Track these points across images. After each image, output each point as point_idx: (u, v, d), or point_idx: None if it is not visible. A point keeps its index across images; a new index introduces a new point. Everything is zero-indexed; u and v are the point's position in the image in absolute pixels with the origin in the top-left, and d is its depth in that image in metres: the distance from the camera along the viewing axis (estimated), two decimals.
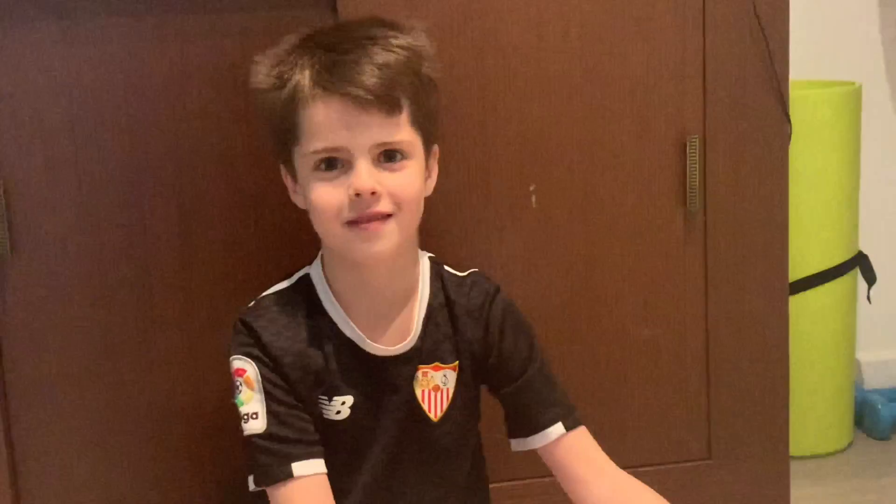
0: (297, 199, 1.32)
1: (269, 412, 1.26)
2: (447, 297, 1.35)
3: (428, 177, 1.32)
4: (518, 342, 1.37)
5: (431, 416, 1.34)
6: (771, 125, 1.66)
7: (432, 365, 1.33)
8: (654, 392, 1.70)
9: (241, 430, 1.27)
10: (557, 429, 1.36)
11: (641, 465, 1.71)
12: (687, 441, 1.72)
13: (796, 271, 1.78)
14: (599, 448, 1.38)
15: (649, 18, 1.60)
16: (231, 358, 1.29)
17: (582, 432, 1.37)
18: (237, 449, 1.55)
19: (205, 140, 1.53)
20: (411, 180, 1.25)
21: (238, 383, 1.27)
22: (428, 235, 1.58)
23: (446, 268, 1.38)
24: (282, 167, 1.33)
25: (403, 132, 1.24)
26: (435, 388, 1.34)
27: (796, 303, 1.75)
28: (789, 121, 1.66)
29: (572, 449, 1.36)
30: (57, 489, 1.57)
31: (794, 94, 1.68)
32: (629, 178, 1.63)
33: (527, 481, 1.64)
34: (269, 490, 1.26)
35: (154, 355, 1.55)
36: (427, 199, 1.56)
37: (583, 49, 1.59)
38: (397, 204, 1.23)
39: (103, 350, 1.55)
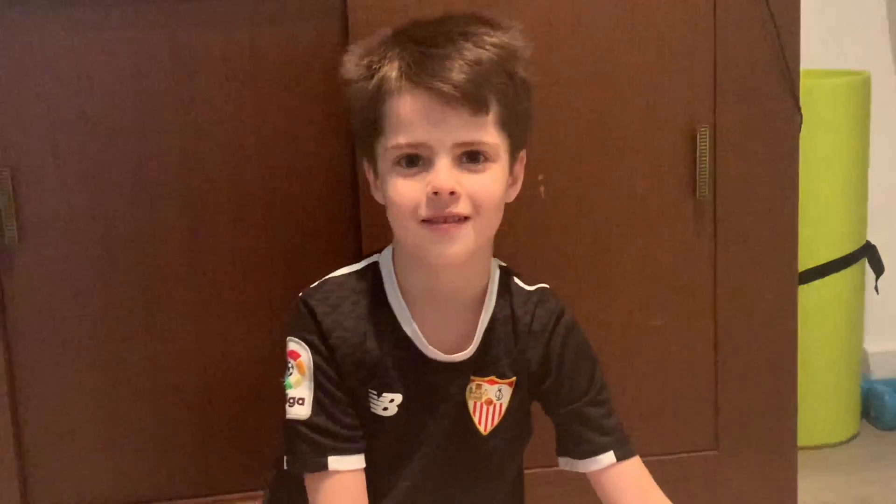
0: (377, 195, 1.28)
1: (316, 401, 1.24)
2: (513, 312, 1.31)
3: (512, 183, 1.28)
4: (578, 368, 1.34)
5: (481, 428, 1.31)
6: (781, 114, 1.65)
7: (488, 378, 1.30)
8: (662, 381, 1.69)
9: (285, 412, 1.26)
10: (608, 457, 1.32)
11: (648, 455, 1.69)
12: (694, 431, 1.72)
13: (804, 261, 1.77)
14: (651, 479, 1.35)
15: (660, 7, 1.59)
16: (288, 338, 1.27)
17: (634, 463, 1.34)
18: (242, 431, 1.57)
19: (212, 127, 1.52)
20: (492, 184, 1.21)
21: (290, 365, 1.26)
22: None
23: (516, 280, 1.34)
24: (365, 163, 1.29)
25: (489, 133, 1.19)
26: (488, 401, 1.31)
27: (804, 293, 1.75)
28: (800, 110, 1.65)
29: (622, 480, 1.33)
30: (63, 469, 1.58)
31: (804, 84, 1.67)
32: (639, 167, 1.63)
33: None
34: (305, 477, 1.26)
35: (161, 340, 1.55)
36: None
37: (593, 38, 1.59)
38: (476, 207, 1.19)
39: (111, 336, 1.55)
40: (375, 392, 1.27)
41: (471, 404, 1.29)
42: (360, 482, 1.25)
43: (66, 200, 1.51)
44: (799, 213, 1.68)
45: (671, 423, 1.71)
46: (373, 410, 1.27)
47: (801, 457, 1.76)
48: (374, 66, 1.20)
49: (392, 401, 1.27)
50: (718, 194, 1.65)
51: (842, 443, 2.22)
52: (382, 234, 1.38)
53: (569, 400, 1.33)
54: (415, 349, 1.27)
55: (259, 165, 1.54)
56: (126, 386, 1.56)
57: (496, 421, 1.31)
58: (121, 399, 1.56)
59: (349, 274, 1.30)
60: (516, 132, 1.24)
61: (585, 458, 1.33)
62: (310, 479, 1.25)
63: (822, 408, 2.18)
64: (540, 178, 1.60)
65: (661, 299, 1.67)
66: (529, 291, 1.34)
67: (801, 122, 1.66)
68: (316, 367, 1.24)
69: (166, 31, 1.50)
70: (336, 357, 1.25)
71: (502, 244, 1.59)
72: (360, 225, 1.55)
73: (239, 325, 1.57)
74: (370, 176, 1.29)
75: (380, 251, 1.32)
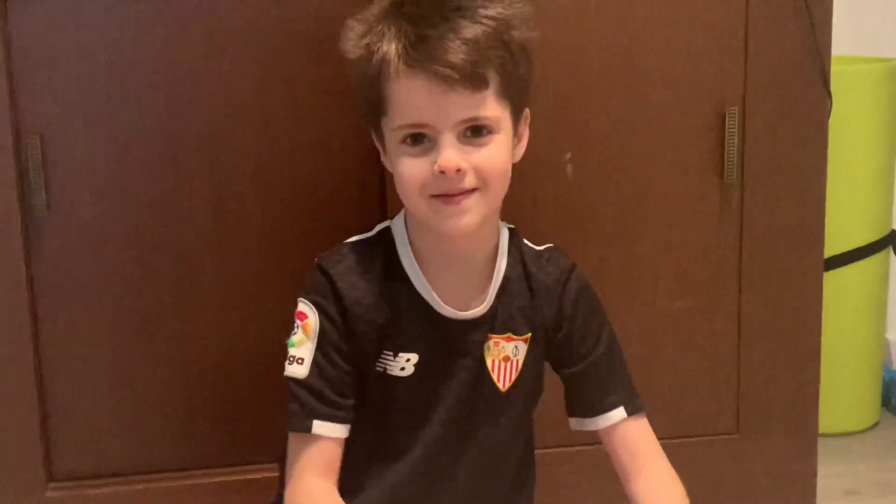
0: (387, 163, 1.30)
1: (315, 363, 1.26)
2: (525, 269, 1.34)
3: (518, 143, 1.30)
4: (589, 322, 1.36)
5: (500, 385, 1.33)
6: (811, 99, 1.64)
7: (504, 335, 1.32)
8: (685, 364, 1.69)
9: (284, 369, 1.28)
10: (618, 413, 1.34)
11: (669, 437, 1.69)
12: (715, 415, 1.72)
13: (829, 248, 1.76)
14: (654, 438, 1.37)
15: None
16: (299, 298, 1.29)
17: (640, 421, 1.36)
18: (266, 409, 1.57)
19: (240, 98, 1.53)
20: (497, 154, 1.23)
21: (296, 325, 1.28)
22: None
23: (525, 241, 1.37)
24: (372, 132, 1.31)
25: (490, 107, 1.21)
26: (505, 358, 1.32)
27: (828, 279, 1.74)
28: (830, 96, 1.64)
29: (628, 437, 1.35)
30: (86, 440, 1.59)
31: (835, 70, 1.66)
32: (666, 148, 1.62)
33: (575, 448, 1.64)
34: (289, 434, 1.29)
35: (186, 313, 1.56)
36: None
37: (622, 18, 1.58)
38: (483, 179, 1.21)
39: (136, 307, 1.56)
40: (391, 353, 1.29)
41: (489, 361, 1.31)
42: (338, 450, 1.27)
43: (94, 170, 1.52)
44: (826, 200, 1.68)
45: (694, 405, 1.71)
46: (389, 372, 1.29)
47: (822, 443, 1.76)
48: (374, 47, 1.21)
49: (409, 360, 1.29)
50: (746, 178, 1.64)
51: (863, 430, 2.21)
52: None
53: (580, 355, 1.35)
54: (429, 308, 1.29)
55: (287, 140, 1.55)
56: (150, 357, 1.57)
57: (514, 377, 1.33)
58: (145, 370, 1.57)
59: (363, 240, 1.33)
60: (517, 96, 1.26)
61: (596, 415, 1.35)
62: (292, 438, 1.28)
63: (844, 395, 2.18)
64: (567, 157, 1.60)
65: (685, 282, 1.67)
66: (539, 250, 1.37)
67: (830, 108, 1.65)
68: (322, 331, 1.27)
69: (197, 3, 1.50)
70: (349, 321, 1.27)
71: (528, 222, 1.59)
72: (387, 201, 1.55)
73: (264, 300, 1.58)
74: (379, 145, 1.31)
75: (392, 218, 1.35)
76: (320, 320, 1.27)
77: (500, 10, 1.22)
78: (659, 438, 1.70)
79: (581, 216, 1.62)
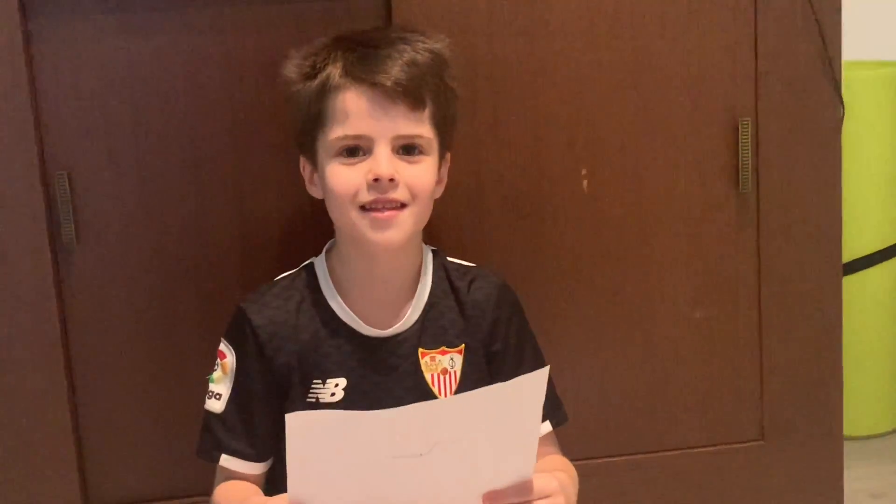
0: (314, 190, 1.37)
1: (231, 400, 1.33)
2: (452, 285, 1.39)
3: (439, 182, 1.35)
4: (521, 337, 1.40)
5: (441, 397, 1.35)
6: (823, 106, 1.65)
7: (438, 349, 1.36)
8: (707, 373, 1.70)
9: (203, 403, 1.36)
10: (545, 426, 1.38)
11: (693, 447, 1.72)
12: (739, 422, 1.72)
13: (848, 252, 1.77)
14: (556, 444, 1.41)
15: (701, 0, 1.60)
16: (221, 338, 1.36)
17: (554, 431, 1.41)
18: None
19: (262, 129, 1.55)
20: (426, 174, 1.29)
21: (217, 364, 1.35)
22: (480, 221, 1.61)
23: (449, 259, 1.42)
24: (301, 158, 1.38)
25: (424, 128, 1.29)
26: (443, 371, 1.36)
27: (847, 284, 1.75)
28: (842, 102, 1.65)
29: (547, 445, 1.38)
30: (121, 462, 1.61)
31: (847, 75, 1.67)
32: (681, 160, 1.64)
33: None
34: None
35: (215, 337, 1.57)
36: (478, 185, 1.59)
37: (634, 32, 1.60)
38: (413, 194, 1.28)
39: (166, 333, 1.59)
40: (320, 381, 1.33)
41: (428, 377, 1.35)
42: (241, 487, 1.33)
43: (121, 202, 1.55)
44: (843, 205, 1.69)
45: (717, 414, 1.71)
46: (322, 400, 1.33)
47: (846, 447, 1.77)
48: (319, 66, 1.30)
49: (337, 385, 1.33)
50: (761, 187, 1.65)
51: (887, 433, 2.21)
52: None
53: (512, 369, 1.37)
54: (350, 330, 1.34)
55: None
56: (182, 382, 1.59)
57: (454, 387, 1.36)
58: (177, 394, 1.60)
59: (283, 277, 1.39)
60: (446, 133, 1.34)
61: None
62: (212, 465, 1.35)
63: (867, 398, 2.18)
64: (583, 172, 1.62)
65: (705, 292, 1.68)
66: (466, 267, 1.42)
67: (843, 114, 1.66)
68: (238, 370, 1.33)
69: (215, 36, 1.53)
70: (267, 357, 1.32)
71: (546, 239, 1.62)
72: None
73: None
74: (306, 172, 1.38)
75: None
76: (237, 360, 1.33)
77: (438, 47, 1.32)
78: (683, 448, 1.73)
79: (599, 231, 1.64)
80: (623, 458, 1.69)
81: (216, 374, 1.35)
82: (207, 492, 1.61)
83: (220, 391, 1.34)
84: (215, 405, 1.34)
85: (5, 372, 1.54)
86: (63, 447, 1.58)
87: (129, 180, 1.54)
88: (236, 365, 1.33)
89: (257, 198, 1.57)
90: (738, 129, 1.63)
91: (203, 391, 1.58)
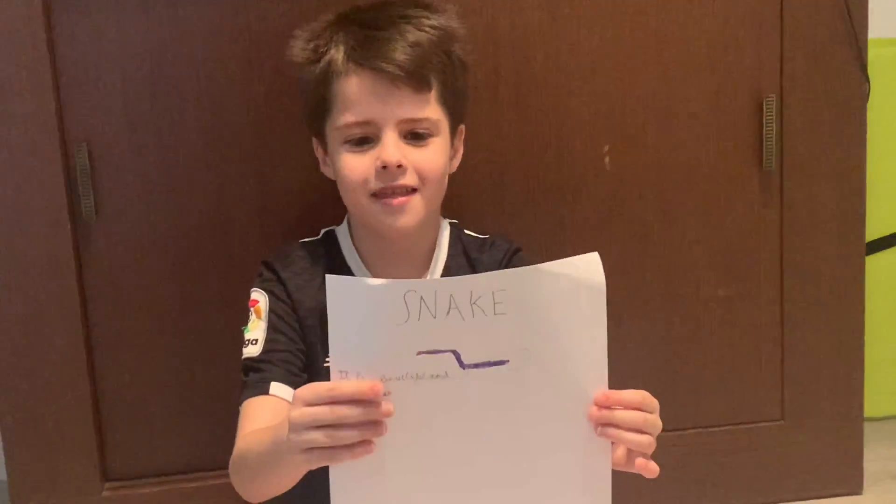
0: (327, 171, 1.37)
1: (268, 340, 1.31)
2: (468, 257, 1.39)
3: (453, 155, 1.35)
4: None
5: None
6: (849, 84, 1.64)
7: None
8: (729, 352, 1.70)
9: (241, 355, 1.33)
10: None
11: (714, 426, 1.71)
12: (760, 402, 1.72)
13: (870, 231, 1.76)
14: None
15: None
16: (251, 289, 1.35)
17: None
18: None
19: (282, 102, 1.54)
20: (436, 156, 1.29)
21: (250, 313, 1.34)
22: (501, 198, 1.60)
23: (466, 231, 1.42)
24: (314, 140, 1.37)
25: (431, 109, 1.28)
26: None
27: (869, 263, 1.73)
28: (868, 79, 1.64)
29: None
30: (141, 444, 1.62)
31: (872, 53, 1.65)
32: (704, 137, 1.62)
33: None
34: (242, 406, 1.29)
35: (234, 310, 1.57)
36: (499, 162, 1.58)
37: (658, 7, 1.59)
38: (422, 179, 1.27)
39: (186, 307, 1.58)
40: None
41: None
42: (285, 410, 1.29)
43: (140, 175, 1.54)
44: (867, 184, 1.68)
45: (738, 393, 1.71)
46: None
47: (867, 427, 1.76)
48: (321, 50, 1.29)
49: None
50: (785, 165, 1.64)
51: None
52: None
53: None
54: None
55: None
56: (200, 356, 1.59)
57: None
58: (195, 368, 1.60)
59: (308, 241, 1.39)
60: (455, 108, 1.32)
61: None
62: (247, 404, 1.29)
63: (889, 378, 2.16)
64: (605, 149, 1.61)
65: (727, 270, 1.67)
66: (482, 238, 1.42)
67: (868, 91, 1.65)
68: (272, 310, 1.32)
69: (236, 7, 1.52)
70: (299, 314, 1.32)
71: (568, 216, 1.61)
72: None
73: None
74: (319, 153, 1.37)
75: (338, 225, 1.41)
76: (270, 301, 1.33)
77: (442, 22, 1.30)
78: (705, 427, 1.72)
79: (621, 208, 1.63)
80: None
81: (250, 323, 1.33)
82: (225, 465, 1.62)
83: (256, 336, 1.32)
84: (252, 350, 1.32)
85: (24, 344, 1.54)
86: (82, 422, 1.58)
87: (148, 153, 1.54)
88: (269, 306, 1.32)
89: (277, 171, 1.56)
90: (762, 106, 1.62)
91: (222, 365, 1.59)
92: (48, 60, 1.49)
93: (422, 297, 0.97)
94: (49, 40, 1.49)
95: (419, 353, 0.98)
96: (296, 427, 0.97)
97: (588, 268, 1.02)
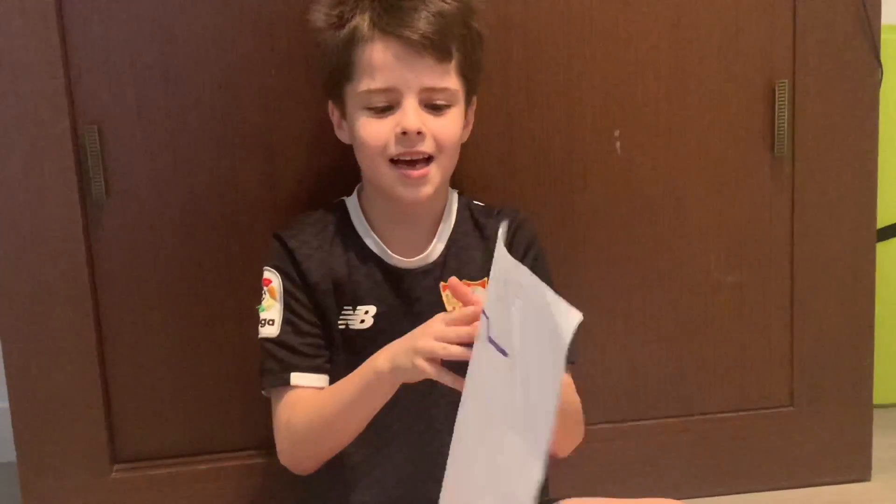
0: (342, 135, 1.40)
1: (285, 321, 1.36)
2: (476, 223, 1.42)
3: (466, 125, 1.38)
4: (534, 269, 1.37)
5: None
6: (861, 69, 1.63)
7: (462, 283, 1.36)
8: (738, 338, 1.69)
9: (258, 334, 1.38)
10: None
11: (723, 411, 1.71)
12: (769, 388, 1.72)
13: (881, 218, 1.75)
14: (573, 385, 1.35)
15: None
16: (263, 268, 1.39)
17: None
18: None
19: (292, 82, 1.54)
20: (453, 125, 1.32)
21: (264, 292, 1.38)
22: (510, 181, 1.59)
23: (475, 202, 1.46)
24: (329, 103, 1.40)
25: (451, 79, 1.31)
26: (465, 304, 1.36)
27: (880, 250, 1.73)
28: (880, 65, 1.63)
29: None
30: (150, 427, 1.62)
31: (885, 38, 1.64)
32: (716, 122, 1.62)
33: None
34: (272, 395, 1.36)
35: (246, 292, 1.58)
36: (509, 145, 1.58)
37: None
38: (439, 146, 1.31)
39: (194, 290, 1.58)
40: (350, 307, 1.38)
41: (450, 310, 1.35)
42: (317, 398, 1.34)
43: (151, 156, 1.54)
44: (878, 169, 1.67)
45: (747, 379, 1.71)
46: (351, 327, 1.37)
47: (876, 414, 1.76)
48: (346, 16, 1.31)
49: (367, 312, 1.37)
50: (797, 150, 1.64)
51: None
52: None
53: None
54: (379, 260, 1.38)
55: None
56: (210, 338, 1.59)
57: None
58: (205, 352, 1.60)
59: (318, 210, 1.43)
60: (472, 79, 1.36)
61: None
62: (274, 394, 1.36)
63: None
64: (616, 133, 1.60)
65: (737, 256, 1.67)
66: (490, 207, 1.45)
67: (881, 77, 1.64)
68: (286, 291, 1.37)
69: None
70: (309, 283, 1.36)
71: (578, 201, 1.61)
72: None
73: None
74: (335, 117, 1.40)
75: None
76: (283, 282, 1.37)
77: None
78: (713, 412, 1.72)
79: (631, 193, 1.62)
80: (652, 421, 1.69)
81: (265, 302, 1.38)
82: (234, 447, 1.63)
83: (272, 317, 1.36)
84: (270, 331, 1.36)
85: (35, 325, 1.54)
86: (91, 404, 1.58)
87: (159, 134, 1.54)
88: (282, 286, 1.37)
89: (287, 151, 1.56)
90: (774, 90, 1.61)
91: (232, 346, 1.60)
92: (59, 42, 1.48)
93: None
94: (60, 21, 1.48)
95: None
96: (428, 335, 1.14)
97: (565, 318, 0.96)
